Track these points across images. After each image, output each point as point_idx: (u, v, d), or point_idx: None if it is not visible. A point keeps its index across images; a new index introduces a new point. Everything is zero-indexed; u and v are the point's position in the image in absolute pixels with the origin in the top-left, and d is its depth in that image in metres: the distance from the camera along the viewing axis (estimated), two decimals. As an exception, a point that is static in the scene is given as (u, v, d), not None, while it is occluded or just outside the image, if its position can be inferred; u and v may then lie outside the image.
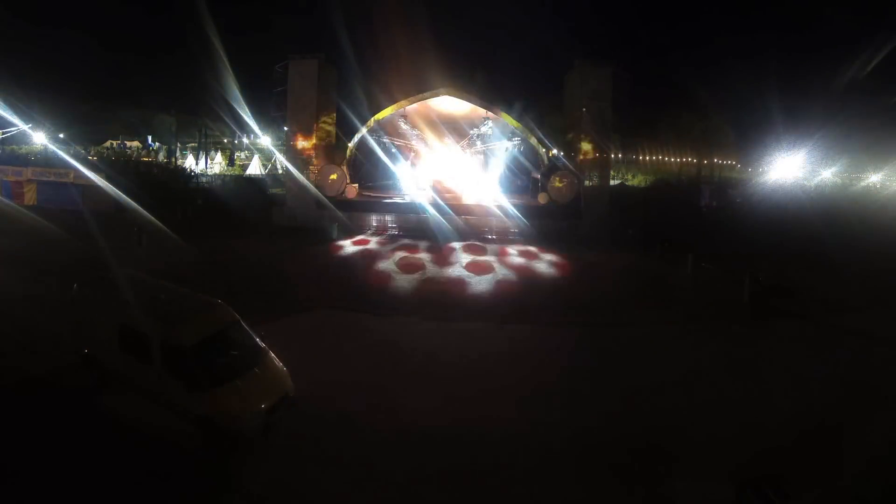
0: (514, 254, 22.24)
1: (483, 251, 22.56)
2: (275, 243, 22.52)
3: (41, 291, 13.75)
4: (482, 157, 31.73)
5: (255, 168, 46.41)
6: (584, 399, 10.07)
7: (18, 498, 6.96)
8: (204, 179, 39.00)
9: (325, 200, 26.51)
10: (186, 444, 8.17)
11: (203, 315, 9.27)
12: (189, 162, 48.66)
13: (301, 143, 27.67)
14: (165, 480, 7.42)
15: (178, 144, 53.22)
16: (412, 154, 31.69)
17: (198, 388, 8.21)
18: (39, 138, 44.52)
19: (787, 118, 45.97)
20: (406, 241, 23.91)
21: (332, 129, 29.56)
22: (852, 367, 11.64)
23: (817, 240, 23.33)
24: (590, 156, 26.97)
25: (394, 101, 28.32)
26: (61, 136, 52.94)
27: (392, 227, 25.80)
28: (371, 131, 29.50)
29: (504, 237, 25.09)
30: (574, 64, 27.52)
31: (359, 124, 29.52)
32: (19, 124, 38.97)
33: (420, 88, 28.03)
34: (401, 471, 7.83)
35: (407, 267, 19.41)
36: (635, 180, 54.85)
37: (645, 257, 21.46)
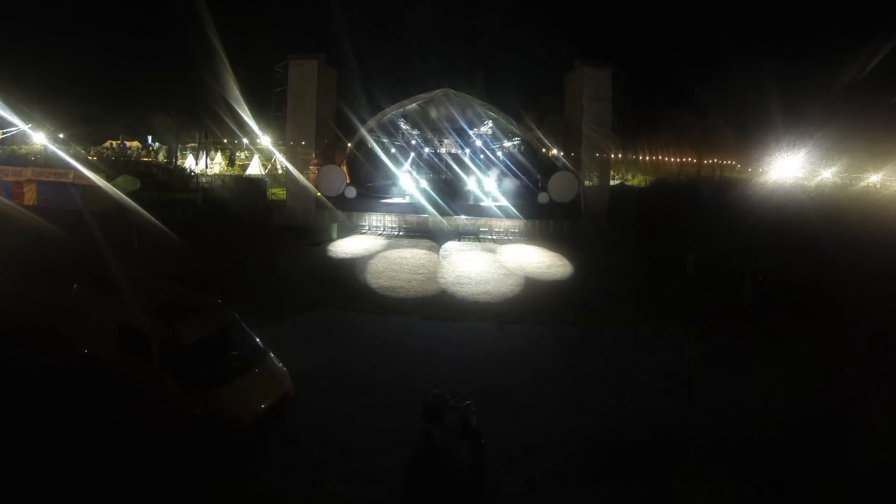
0: (514, 254, 22.22)
1: (483, 251, 22.56)
2: (275, 243, 22.51)
3: (41, 291, 13.73)
4: (482, 156, 31.74)
5: (255, 168, 46.30)
6: (584, 399, 10.07)
7: (19, 498, 6.96)
8: (204, 179, 38.98)
9: (325, 200, 26.51)
10: (186, 443, 8.17)
11: (203, 315, 9.26)
12: (189, 162, 48.60)
13: (301, 143, 27.66)
14: (165, 480, 7.42)
15: (178, 144, 53.16)
16: (412, 154, 31.68)
17: (197, 388, 8.21)
18: (39, 138, 44.48)
19: (787, 118, 45.93)
20: (406, 240, 23.90)
21: (331, 129, 29.56)
22: (852, 367, 11.63)
23: (817, 240, 23.32)
24: (590, 156, 26.97)
25: (394, 101, 28.38)
26: (61, 136, 52.89)
27: (392, 227, 25.79)
28: (371, 131, 29.51)
29: (504, 237, 25.09)
30: (574, 64, 27.54)
31: (359, 124, 29.54)
32: (19, 124, 38.91)
33: (420, 88, 28.09)
34: (400, 471, 7.84)
35: (407, 267, 19.40)
36: (635, 180, 54.88)
37: (645, 257, 21.45)
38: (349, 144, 30.27)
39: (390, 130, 30.42)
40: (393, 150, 31.60)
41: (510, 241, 24.44)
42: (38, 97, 43.66)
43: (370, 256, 20.96)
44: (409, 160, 31.74)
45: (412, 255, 21.15)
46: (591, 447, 8.52)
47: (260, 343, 9.44)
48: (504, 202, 26.64)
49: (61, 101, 49.22)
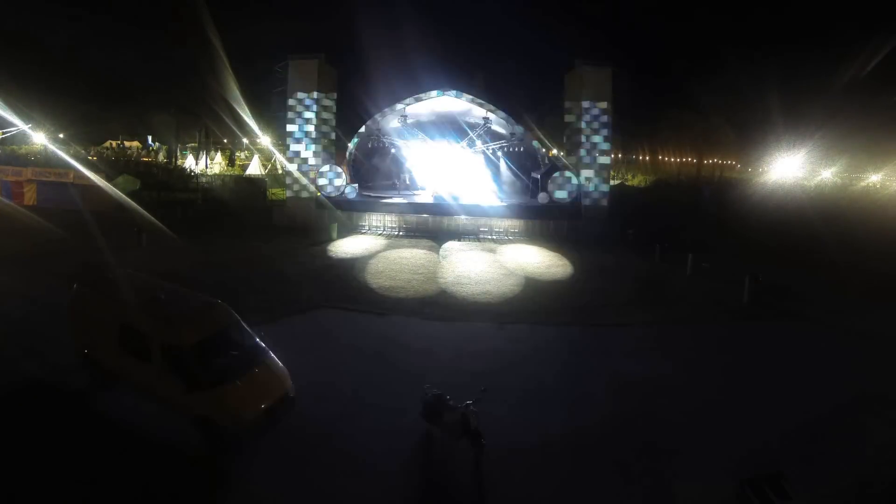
0: (514, 254, 22.21)
1: (483, 251, 22.56)
2: (275, 243, 22.52)
3: (41, 291, 13.74)
4: (482, 156, 31.73)
5: (255, 168, 46.32)
6: (584, 399, 10.08)
7: (18, 498, 6.97)
8: (204, 179, 39.00)
9: (325, 200, 26.51)
10: (186, 444, 8.18)
11: (203, 315, 9.27)
12: (189, 162, 48.62)
13: (301, 143, 27.66)
14: (165, 481, 7.43)
15: (178, 144, 53.19)
16: (412, 154, 31.67)
17: (198, 389, 8.22)
18: (39, 138, 44.49)
19: (787, 118, 45.80)
20: (406, 240, 23.91)
21: (332, 129, 29.56)
22: (851, 367, 11.64)
23: (817, 240, 23.33)
24: (590, 155, 26.96)
25: (394, 101, 28.32)
26: (61, 135, 52.89)
27: (392, 227, 25.79)
28: (371, 131, 29.51)
29: (504, 237, 25.09)
30: (574, 64, 27.50)
31: (359, 124, 29.52)
32: (19, 124, 38.89)
33: (420, 88, 28.04)
34: (399, 472, 7.84)
35: (407, 267, 19.41)
36: (635, 180, 54.91)
37: (645, 257, 21.46)
38: (349, 144, 30.25)
39: (390, 130, 30.42)
40: (393, 150, 31.61)
41: (510, 241, 24.44)
42: (38, 97, 43.59)
43: (370, 256, 20.96)
44: (409, 160, 31.73)
45: (412, 255, 21.15)
46: (592, 446, 8.53)
47: (260, 343, 9.44)
48: (504, 202, 26.62)
49: (61, 101, 49.12)
